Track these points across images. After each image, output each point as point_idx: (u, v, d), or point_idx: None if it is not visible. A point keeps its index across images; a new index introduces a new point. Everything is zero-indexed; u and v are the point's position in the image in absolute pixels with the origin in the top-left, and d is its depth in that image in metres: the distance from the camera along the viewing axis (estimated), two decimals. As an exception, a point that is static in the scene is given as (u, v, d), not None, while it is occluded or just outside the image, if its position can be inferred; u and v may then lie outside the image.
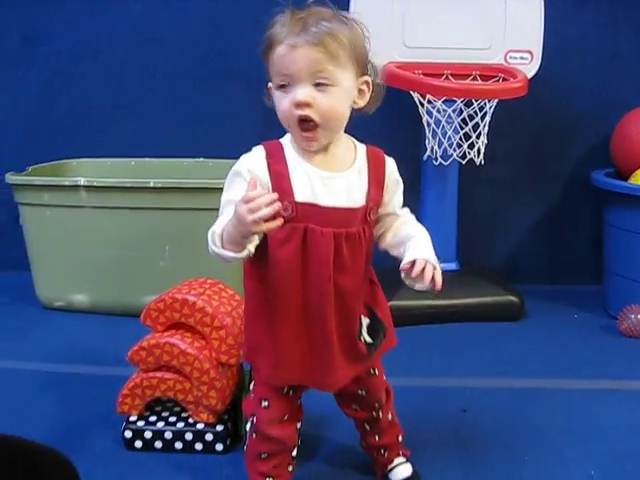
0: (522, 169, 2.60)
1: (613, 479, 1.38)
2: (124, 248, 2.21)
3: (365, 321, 1.21)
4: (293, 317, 1.15)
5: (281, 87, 1.10)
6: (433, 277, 1.12)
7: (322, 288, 1.12)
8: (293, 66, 1.06)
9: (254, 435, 1.26)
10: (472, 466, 1.43)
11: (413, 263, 1.12)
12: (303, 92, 1.07)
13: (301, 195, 1.11)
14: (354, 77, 1.10)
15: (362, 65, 1.11)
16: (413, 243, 1.17)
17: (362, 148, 1.18)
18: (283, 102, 1.09)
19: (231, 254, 1.09)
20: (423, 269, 1.11)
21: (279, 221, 1.05)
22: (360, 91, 1.12)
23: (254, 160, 1.13)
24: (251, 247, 1.10)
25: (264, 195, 1.02)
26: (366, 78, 1.12)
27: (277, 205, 1.02)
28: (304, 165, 1.12)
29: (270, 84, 1.13)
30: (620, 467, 1.42)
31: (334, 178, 1.12)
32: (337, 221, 1.11)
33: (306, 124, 1.08)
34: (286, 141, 1.15)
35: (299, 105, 1.07)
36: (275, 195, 1.04)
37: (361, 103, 1.13)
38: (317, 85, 1.07)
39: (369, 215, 1.15)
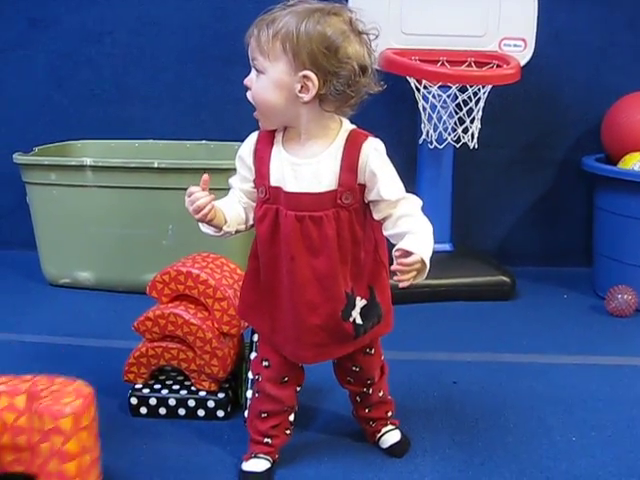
0: (515, 154, 2.66)
1: (592, 444, 1.46)
2: (128, 227, 2.27)
3: (360, 302, 1.25)
4: (273, 289, 1.24)
5: None
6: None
7: (287, 266, 1.20)
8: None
9: (257, 394, 1.34)
10: (460, 432, 1.50)
11: (408, 253, 1.14)
12: (248, 76, 1.18)
13: (274, 179, 1.20)
14: (289, 70, 1.12)
15: (306, 61, 1.11)
16: (411, 237, 1.16)
17: (345, 132, 1.19)
18: None
19: (210, 232, 1.25)
20: (411, 266, 1.14)
21: (207, 224, 1.21)
22: (303, 86, 1.13)
23: (245, 146, 1.25)
24: (227, 228, 1.24)
25: (196, 194, 1.19)
26: (305, 73, 1.11)
27: (200, 206, 1.18)
28: (281, 151, 1.20)
29: None
30: (600, 434, 1.50)
31: (302, 165, 1.18)
32: (301, 205, 1.18)
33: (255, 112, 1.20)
34: (280, 129, 1.22)
35: (245, 87, 1.19)
36: (205, 200, 1.18)
37: (306, 98, 1.13)
38: (256, 71, 1.16)
39: (341, 199, 1.17)
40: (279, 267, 1.22)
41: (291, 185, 1.18)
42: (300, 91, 1.13)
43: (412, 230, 1.17)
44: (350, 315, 1.24)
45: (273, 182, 1.20)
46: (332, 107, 1.16)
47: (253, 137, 1.24)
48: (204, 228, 1.25)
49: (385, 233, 1.23)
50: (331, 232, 1.18)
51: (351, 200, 1.18)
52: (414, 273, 1.15)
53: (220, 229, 1.24)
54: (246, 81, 1.18)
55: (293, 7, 1.14)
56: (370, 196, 1.19)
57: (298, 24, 1.11)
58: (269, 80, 1.14)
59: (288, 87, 1.13)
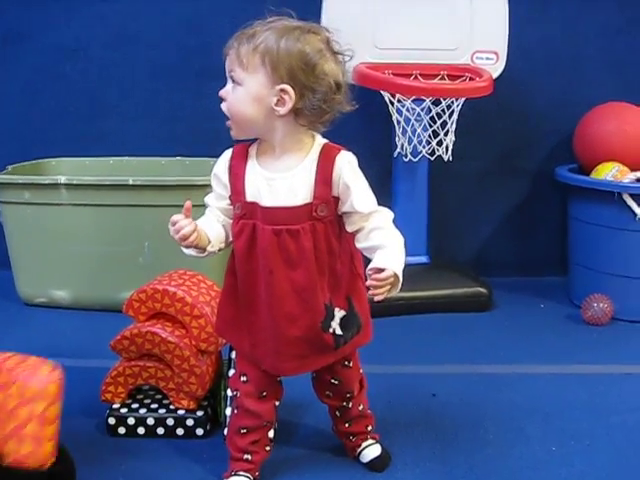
0: (489, 165, 2.68)
1: (571, 454, 1.47)
2: (104, 245, 2.25)
3: (339, 313, 1.26)
4: (251, 303, 1.25)
5: None
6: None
7: (265, 280, 1.21)
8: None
9: (235, 410, 1.34)
10: (440, 444, 1.50)
11: (380, 270, 1.16)
12: (224, 88, 1.20)
13: (250, 195, 1.21)
14: (267, 83, 1.15)
15: (284, 76, 1.14)
16: (383, 252, 1.19)
17: (319, 146, 1.21)
18: None
19: (194, 253, 1.26)
20: (385, 280, 1.16)
21: (192, 248, 1.22)
22: (279, 99, 1.15)
23: (220, 163, 1.27)
24: (211, 248, 1.25)
25: (180, 223, 1.19)
26: (282, 87, 1.14)
27: (185, 235, 1.18)
28: (255, 166, 1.22)
29: None
30: (578, 443, 1.51)
31: (276, 179, 1.20)
32: (277, 219, 1.19)
33: (227, 120, 1.21)
34: (254, 144, 1.25)
35: (220, 97, 1.20)
36: (189, 228, 1.18)
37: (282, 111, 1.15)
38: (232, 83, 1.18)
39: (316, 211, 1.19)
40: (257, 281, 1.23)
41: (267, 200, 1.20)
42: (276, 104, 1.16)
43: (383, 244, 1.20)
44: (330, 326, 1.25)
45: (249, 197, 1.21)
46: (306, 122, 1.18)
47: (227, 154, 1.26)
48: (187, 251, 1.25)
49: (357, 246, 1.24)
50: (308, 244, 1.19)
51: (326, 212, 1.20)
52: (388, 287, 1.18)
53: (204, 250, 1.25)
54: (221, 92, 1.19)
55: (273, 24, 1.17)
56: (344, 208, 1.21)
57: (278, 40, 1.14)
58: (246, 92, 1.16)
59: (264, 100, 1.16)
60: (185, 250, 1.25)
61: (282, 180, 1.20)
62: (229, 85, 1.19)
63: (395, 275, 1.17)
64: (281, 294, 1.21)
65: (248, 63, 1.15)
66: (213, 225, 1.26)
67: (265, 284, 1.22)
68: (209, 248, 1.25)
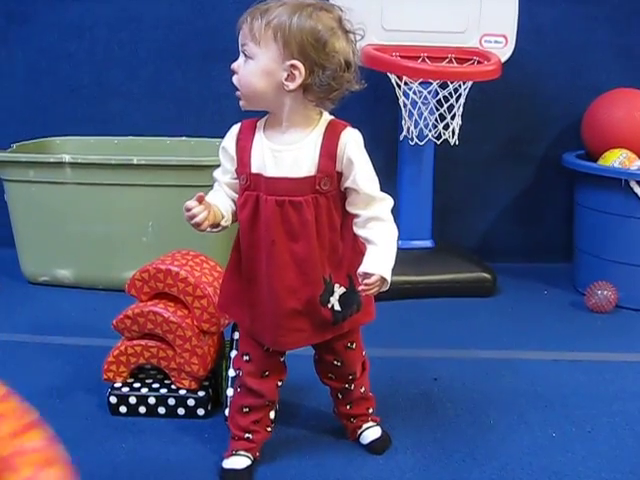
0: (496, 150, 2.66)
1: (572, 440, 1.47)
2: (108, 224, 2.25)
3: (339, 290, 1.26)
4: (253, 277, 1.26)
5: None
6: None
7: (267, 251, 1.22)
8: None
9: (238, 389, 1.35)
10: (441, 429, 1.50)
11: (369, 275, 1.19)
12: (237, 61, 1.20)
13: (255, 167, 1.22)
14: (278, 58, 1.16)
15: (295, 51, 1.14)
16: (373, 253, 1.21)
17: (325, 122, 1.23)
18: None
19: (208, 229, 1.24)
20: (373, 284, 1.19)
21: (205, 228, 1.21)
22: (289, 75, 1.16)
23: (228, 137, 1.27)
24: (225, 223, 1.26)
25: (194, 210, 1.18)
26: (292, 62, 1.15)
27: (199, 222, 1.19)
28: (262, 139, 1.23)
29: None
30: (580, 430, 1.51)
31: (282, 151, 1.21)
32: (281, 190, 1.20)
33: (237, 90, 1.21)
34: (262, 119, 1.26)
35: (231, 71, 1.21)
36: (203, 215, 1.18)
37: (291, 86, 1.16)
38: (245, 57, 1.18)
39: (319, 185, 1.20)
40: (259, 253, 1.24)
41: (271, 170, 1.21)
42: (286, 79, 1.16)
43: (376, 241, 1.22)
44: (328, 301, 1.25)
45: (254, 169, 1.22)
46: (315, 98, 1.19)
47: (236, 128, 1.27)
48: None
49: (355, 231, 1.26)
50: (310, 217, 1.20)
51: (329, 187, 1.21)
52: (377, 289, 1.21)
53: (218, 225, 1.25)
54: (233, 65, 1.20)
55: (286, 0, 1.17)
56: (346, 183, 1.22)
57: (291, 16, 1.15)
58: (257, 66, 1.17)
59: (275, 74, 1.17)
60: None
61: (287, 152, 1.21)
62: (241, 59, 1.19)
63: (382, 278, 1.20)
64: (282, 265, 1.22)
65: (260, 38, 1.16)
66: (224, 200, 1.27)
67: (267, 255, 1.23)
68: (223, 223, 1.26)
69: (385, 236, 1.23)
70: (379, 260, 1.21)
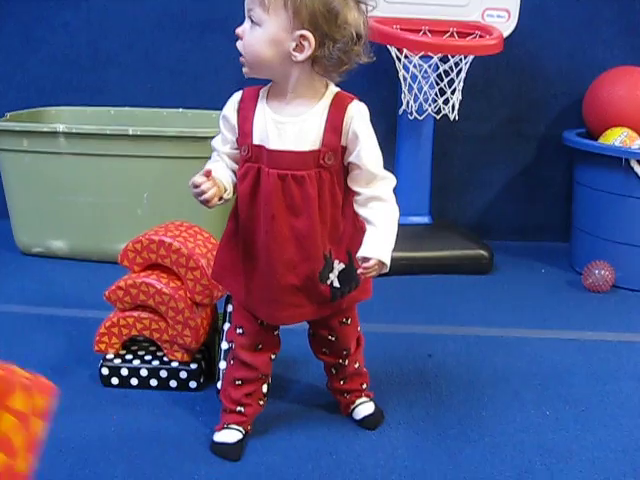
0: (495, 127, 2.64)
1: (566, 419, 1.46)
2: (102, 195, 2.23)
3: (339, 266, 1.25)
4: (251, 249, 1.23)
5: None
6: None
7: (267, 225, 1.19)
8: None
9: (231, 362, 1.33)
10: (435, 405, 1.50)
11: (367, 259, 1.18)
12: (241, 26, 1.16)
13: (257, 138, 1.19)
14: (287, 27, 1.12)
15: (305, 21, 1.11)
16: (372, 235, 1.19)
17: (331, 95, 1.19)
18: None
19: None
20: (371, 268, 1.18)
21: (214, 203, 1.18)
22: (298, 45, 1.12)
23: (229, 105, 1.24)
24: (227, 196, 1.22)
25: (202, 187, 1.15)
26: (303, 32, 1.11)
27: (208, 199, 1.16)
28: (266, 110, 1.19)
29: None
30: (573, 409, 1.50)
31: (286, 123, 1.17)
32: (284, 164, 1.17)
33: (240, 56, 1.18)
34: (265, 88, 1.22)
35: (236, 35, 1.17)
36: (213, 192, 1.16)
37: (300, 57, 1.13)
38: (251, 22, 1.14)
39: (323, 159, 1.18)
40: (258, 227, 1.21)
41: (274, 143, 1.18)
42: (294, 49, 1.13)
43: (376, 223, 1.20)
44: (327, 277, 1.24)
45: (256, 140, 1.19)
46: (323, 70, 1.16)
47: (237, 96, 1.23)
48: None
49: (355, 209, 1.23)
50: (312, 192, 1.18)
51: (333, 161, 1.18)
52: (375, 272, 1.20)
53: (221, 198, 1.21)
54: (238, 30, 1.16)
55: None
56: (350, 158, 1.19)
57: None
58: (264, 33, 1.13)
59: (282, 44, 1.13)
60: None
61: (292, 125, 1.17)
62: (247, 23, 1.15)
63: (381, 262, 1.18)
64: (282, 240, 1.20)
65: (269, 4, 1.11)
66: (224, 171, 1.24)
67: (266, 229, 1.20)
68: (225, 196, 1.22)
69: (385, 218, 1.21)
70: (378, 243, 1.19)
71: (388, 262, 1.19)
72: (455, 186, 2.67)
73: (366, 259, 1.18)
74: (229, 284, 1.31)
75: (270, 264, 1.22)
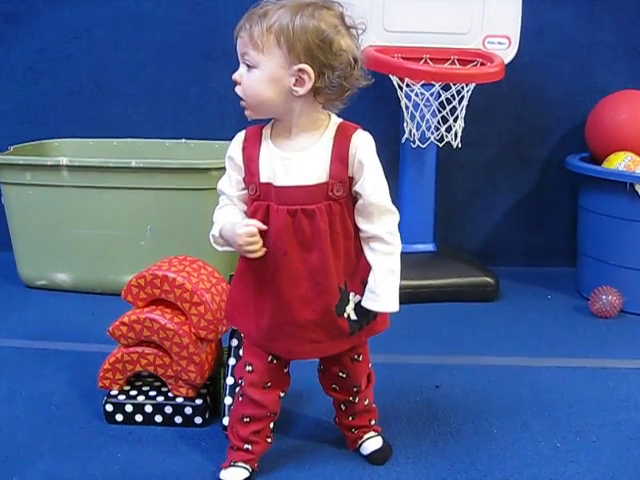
0: (499, 152, 2.64)
1: (577, 450, 1.43)
2: (106, 227, 2.23)
3: (355, 298, 1.24)
4: (264, 287, 1.22)
5: None
6: None
7: (279, 262, 1.18)
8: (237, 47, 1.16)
9: (240, 398, 1.31)
10: (443, 438, 1.47)
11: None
12: (238, 71, 1.16)
13: (264, 176, 1.18)
14: (284, 64, 1.12)
15: (301, 55, 1.11)
16: (377, 288, 1.21)
17: (334, 126, 1.19)
18: None
19: (229, 249, 1.23)
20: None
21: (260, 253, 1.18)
22: (298, 80, 1.13)
23: (234, 145, 1.23)
24: None
25: (256, 238, 1.16)
26: (301, 66, 1.11)
27: (259, 246, 1.17)
28: (270, 147, 1.19)
29: None
30: (584, 439, 1.47)
31: (292, 158, 1.17)
32: (293, 199, 1.17)
33: (241, 100, 1.17)
34: (268, 126, 1.22)
35: (233, 81, 1.17)
36: (260, 244, 1.16)
37: (301, 91, 1.13)
38: (247, 66, 1.14)
39: (332, 191, 1.17)
40: (269, 264, 1.20)
41: (281, 179, 1.17)
42: (295, 84, 1.13)
43: (378, 272, 1.21)
44: (344, 311, 1.23)
45: (263, 178, 1.18)
46: (326, 100, 1.17)
47: (240, 136, 1.23)
48: (222, 248, 1.23)
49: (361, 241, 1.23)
50: (323, 225, 1.17)
51: (342, 192, 1.18)
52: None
53: None
54: (235, 76, 1.16)
55: (284, 1, 1.14)
56: (355, 187, 1.19)
57: (292, 17, 1.11)
58: (262, 74, 1.13)
59: (282, 81, 1.13)
60: (220, 248, 1.23)
61: (297, 159, 1.17)
62: (242, 68, 1.15)
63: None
64: (295, 276, 1.19)
65: (263, 44, 1.11)
66: (240, 216, 1.23)
67: (278, 266, 1.19)
68: None
69: (385, 265, 1.21)
70: (383, 296, 1.21)
71: (397, 306, 1.22)
72: (459, 212, 2.67)
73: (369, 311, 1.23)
74: (242, 323, 1.29)
75: (285, 300, 1.20)
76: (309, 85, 1.13)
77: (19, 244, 2.33)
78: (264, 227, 1.16)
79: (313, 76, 1.12)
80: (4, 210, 2.33)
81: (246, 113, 1.18)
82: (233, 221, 1.19)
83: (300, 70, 1.12)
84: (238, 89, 1.17)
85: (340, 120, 1.21)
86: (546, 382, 1.73)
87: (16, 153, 2.34)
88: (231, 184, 1.24)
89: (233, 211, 1.24)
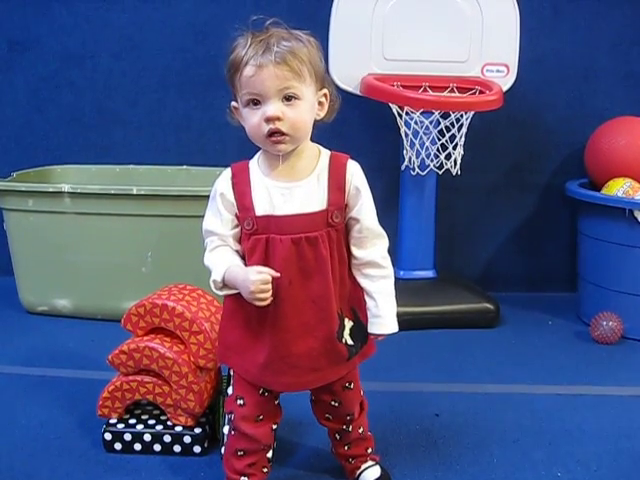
0: (498, 179, 2.65)
1: (578, 480, 1.43)
2: (107, 254, 2.24)
3: (348, 323, 1.25)
4: (261, 322, 1.21)
5: (250, 104, 1.16)
6: None
7: (283, 292, 1.18)
8: (261, 85, 1.12)
9: (232, 432, 1.31)
10: (443, 468, 1.47)
11: (378, 335, 1.27)
12: (273, 108, 1.13)
13: (261, 209, 1.19)
14: (315, 91, 1.18)
15: (320, 79, 1.19)
16: (377, 311, 1.25)
17: (326, 155, 1.22)
18: (254, 118, 1.15)
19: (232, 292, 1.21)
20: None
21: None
22: (320, 103, 1.20)
23: (222, 183, 1.22)
24: None
25: (270, 285, 1.15)
26: (325, 91, 1.19)
27: (270, 295, 1.16)
28: (265, 181, 1.20)
29: (234, 103, 1.21)
30: (585, 469, 1.47)
31: (292, 187, 1.19)
32: (295, 227, 1.18)
33: (275, 136, 1.15)
34: (253, 161, 1.23)
35: (270, 119, 1.13)
36: (270, 293, 1.16)
37: (322, 114, 1.20)
38: (286, 100, 1.14)
39: (331, 218, 1.19)
40: (274, 295, 1.18)
41: (282, 209, 1.18)
42: (318, 109, 1.20)
43: (376, 297, 1.25)
44: (342, 336, 1.24)
45: (259, 212, 1.19)
46: (328, 114, 1.22)
47: (227, 173, 1.23)
48: (223, 292, 1.22)
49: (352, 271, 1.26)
50: (325, 252, 1.19)
51: (339, 219, 1.20)
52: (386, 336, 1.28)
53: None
54: (277, 113, 1.13)
55: (282, 32, 1.16)
56: (351, 213, 1.21)
57: (307, 46, 1.16)
58: (307, 104, 1.17)
59: (314, 108, 1.19)
60: (221, 293, 1.22)
61: (298, 188, 1.19)
62: (278, 103, 1.13)
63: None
64: (299, 304, 1.20)
65: (305, 75, 1.15)
66: (235, 258, 1.22)
67: (283, 295, 1.19)
68: None
69: (384, 289, 1.25)
70: (385, 319, 1.25)
71: (396, 327, 1.26)
72: (459, 239, 2.67)
73: (378, 335, 1.26)
74: (238, 363, 1.28)
75: (287, 330, 1.20)
76: (327, 106, 1.20)
77: (20, 270, 2.34)
78: (277, 275, 1.16)
79: (329, 96, 1.20)
80: (6, 236, 2.34)
81: (282, 147, 1.16)
82: (237, 264, 1.19)
83: (324, 94, 1.20)
84: (281, 124, 1.13)
85: (329, 151, 1.24)
86: (547, 410, 1.73)
87: (19, 179, 2.36)
88: (223, 223, 1.22)
89: (230, 253, 1.22)
